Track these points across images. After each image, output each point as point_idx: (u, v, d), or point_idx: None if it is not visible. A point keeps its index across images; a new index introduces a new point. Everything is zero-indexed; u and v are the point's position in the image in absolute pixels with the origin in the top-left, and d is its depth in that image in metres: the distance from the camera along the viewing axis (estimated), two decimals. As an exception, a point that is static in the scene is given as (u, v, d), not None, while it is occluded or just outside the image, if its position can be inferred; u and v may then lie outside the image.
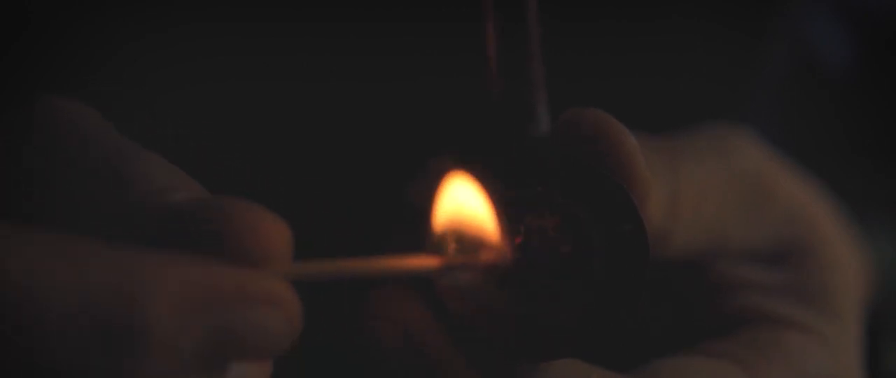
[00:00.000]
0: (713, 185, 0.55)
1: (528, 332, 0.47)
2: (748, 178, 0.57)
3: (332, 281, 0.43)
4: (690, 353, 0.53)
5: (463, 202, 0.47)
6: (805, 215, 0.59)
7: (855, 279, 0.60)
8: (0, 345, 0.36)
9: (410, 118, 0.61)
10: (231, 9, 0.59)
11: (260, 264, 0.40)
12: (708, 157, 0.56)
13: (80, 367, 0.37)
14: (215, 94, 0.60)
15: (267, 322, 0.40)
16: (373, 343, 0.49)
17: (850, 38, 0.82)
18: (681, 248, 0.55)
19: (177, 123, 0.58)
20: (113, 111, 0.46)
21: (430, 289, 0.48)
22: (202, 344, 0.38)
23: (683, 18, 0.68)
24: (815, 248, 0.58)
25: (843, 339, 0.57)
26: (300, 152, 0.61)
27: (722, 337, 0.55)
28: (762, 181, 0.58)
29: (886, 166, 0.80)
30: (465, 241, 0.46)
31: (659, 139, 0.55)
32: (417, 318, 0.49)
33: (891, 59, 0.83)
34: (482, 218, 0.47)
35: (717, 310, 0.57)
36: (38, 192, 0.42)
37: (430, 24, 0.60)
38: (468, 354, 0.49)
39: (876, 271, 0.65)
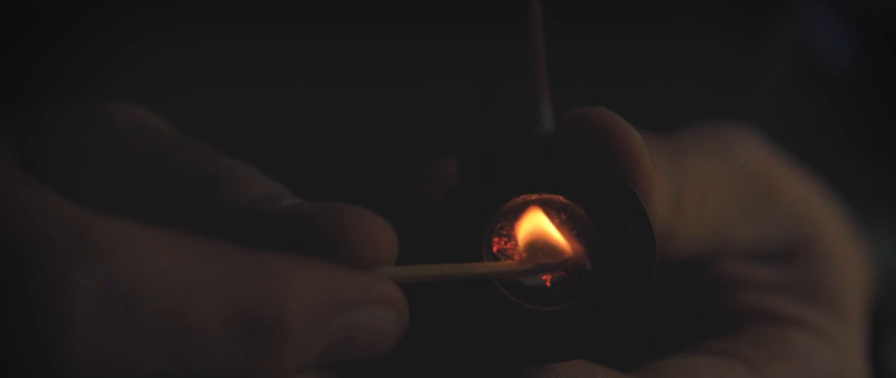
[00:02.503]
0: (717, 183, 0.55)
1: (534, 333, 0.47)
2: (752, 177, 0.57)
3: (432, 282, 0.46)
4: (696, 351, 0.53)
5: (537, 221, 0.49)
6: (809, 213, 0.59)
7: (858, 277, 0.60)
8: (158, 341, 0.38)
9: (414, 117, 0.60)
10: (234, 9, 0.59)
11: (371, 267, 0.42)
12: (711, 155, 0.56)
13: (228, 360, 0.39)
14: (216, 95, 0.59)
15: (382, 322, 0.43)
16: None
17: (850, 37, 0.82)
18: (684, 247, 0.55)
19: (182, 123, 0.58)
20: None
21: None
22: (329, 341, 0.41)
23: (685, 19, 0.68)
24: (818, 246, 0.58)
25: (848, 337, 0.57)
26: (302, 151, 0.61)
27: (727, 335, 0.55)
28: (766, 179, 0.58)
29: (887, 164, 0.80)
30: (544, 249, 0.48)
31: (662, 138, 0.55)
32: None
33: (891, 57, 0.83)
34: (554, 232, 0.48)
35: (721, 308, 0.57)
36: (136, 193, 0.43)
37: (434, 23, 0.60)
38: (476, 355, 0.49)
39: (877, 269, 0.65)
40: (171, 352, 0.38)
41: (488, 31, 0.54)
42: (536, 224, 0.48)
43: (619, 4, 0.66)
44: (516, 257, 0.48)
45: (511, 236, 0.49)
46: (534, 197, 0.48)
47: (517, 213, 0.48)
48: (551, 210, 0.48)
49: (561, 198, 0.48)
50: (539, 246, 0.48)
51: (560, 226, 0.48)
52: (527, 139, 0.52)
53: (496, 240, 0.48)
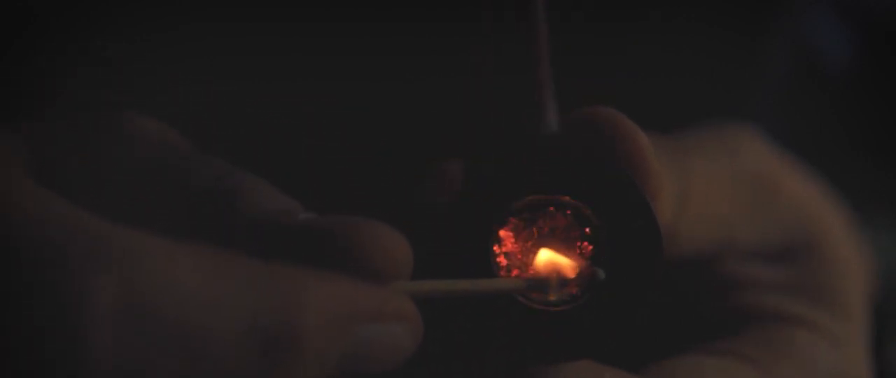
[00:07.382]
0: (721, 184, 0.55)
1: (540, 333, 0.47)
2: (754, 177, 0.57)
3: (443, 298, 0.47)
4: (700, 351, 0.53)
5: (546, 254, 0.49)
6: (812, 213, 0.59)
7: (861, 276, 0.60)
8: (173, 353, 0.38)
9: (417, 119, 0.60)
10: (231, 9, 0.59)
11: (387, 281, 0.42)
12: (716, 155, 0.56)
13: (243, 373, 0.39)
14: (216, 95, 0.59)
15: (397, 336, 0.43)
16: None
17: (850, 37, 0.82)
18: (688, 247, 0.55)
19: (184, 124, 0.58)
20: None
21: None
22: (344, 355, 0.41)
23: (685, 19, 0.68)
24: (822, 246, 0.58)
25: (851, 336, 0.57)
26: (303, 153, 0.61)
27: (732, 335, 0.55)
28: (770, 180, 0.58)
29: (887, 164, 0.81)
30: (552, 273, 0.48)
31: (666, 138, 0.55)
32: None
33: (891, 57, 0.83)
34: (560, 259, 0.49)
35: (725, 308, 0.57)
36: (153, 204, 0.44)
37: (437, 23, 0.60)
38: (481, 356, 0.48)
39: (879, 269, 0.65)
40: (187, 364, 0.38)
41: (491, 31, 0.53)
42: (547, 256, 0.49)
43: (619, 4, 0.66)
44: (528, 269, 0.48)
45: (517, 238, 0.48)
46: (541, 197, 0.48)
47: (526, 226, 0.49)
48: (558, 210, 0.48)
49: (567, 198, 0.48)
50: (550, 266, 0.48)
51: (568, 241, 0.48)
52: (532, 139, 0.52)
53: (505, 236, 0.48)
